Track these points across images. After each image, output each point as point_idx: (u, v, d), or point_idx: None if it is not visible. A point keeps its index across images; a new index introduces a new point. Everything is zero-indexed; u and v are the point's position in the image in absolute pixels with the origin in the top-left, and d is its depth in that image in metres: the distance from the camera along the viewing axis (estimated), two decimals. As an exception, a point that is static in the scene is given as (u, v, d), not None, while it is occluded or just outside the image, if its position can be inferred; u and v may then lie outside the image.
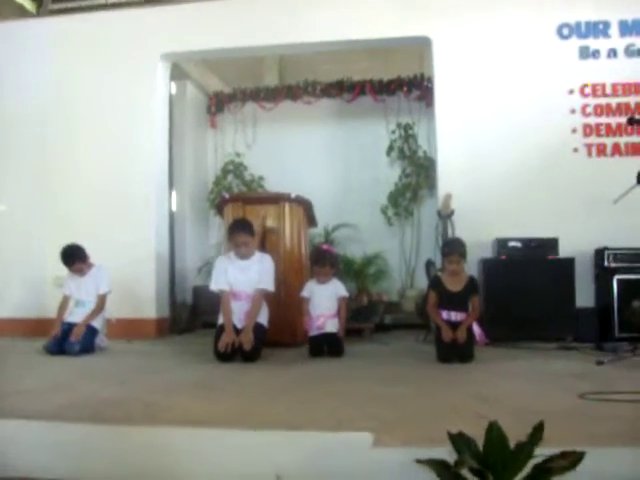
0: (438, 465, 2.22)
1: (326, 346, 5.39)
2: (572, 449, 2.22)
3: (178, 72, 8.31)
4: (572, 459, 2.12)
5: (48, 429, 2.98)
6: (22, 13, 8.45)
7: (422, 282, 7.76)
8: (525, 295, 5.98)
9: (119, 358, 5.61)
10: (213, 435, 2.82)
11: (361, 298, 7.57)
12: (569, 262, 6.09)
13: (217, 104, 9.53)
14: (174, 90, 8.48)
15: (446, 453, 2.35)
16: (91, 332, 5.84)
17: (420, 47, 7.94)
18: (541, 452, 2.20)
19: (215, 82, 9.61)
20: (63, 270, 6.08)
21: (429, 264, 6.38)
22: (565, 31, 6.73)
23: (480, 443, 2.27)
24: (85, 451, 2.89)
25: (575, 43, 6.72)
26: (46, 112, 7.54)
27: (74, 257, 5.92)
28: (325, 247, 5.82)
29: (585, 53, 6.69)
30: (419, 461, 2.29)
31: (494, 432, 2.23)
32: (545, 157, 6.58)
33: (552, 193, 6.56)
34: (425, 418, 3.03)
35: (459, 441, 2.26)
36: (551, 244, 6.16)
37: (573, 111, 6.62)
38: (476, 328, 5.00)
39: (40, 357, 5.56)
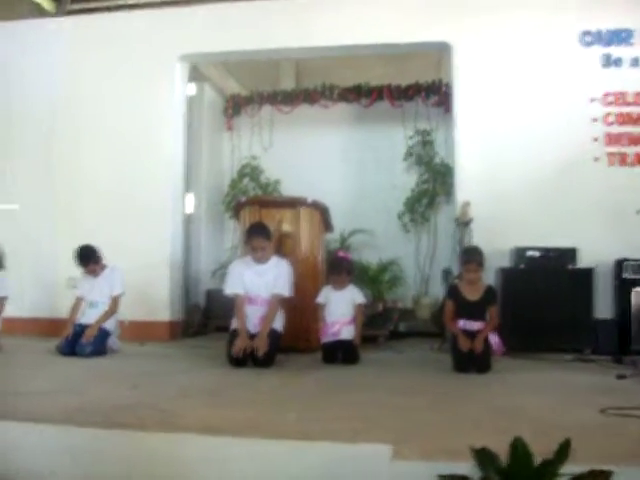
0: (461, 481, 2.16)
1: (341, 353, 5.32)
2: (599, 467, 2.15)
3: (196, 74, 8.29)
4: (601, 479, 2.05)
5: (58, 433, 2.94)
6: (40, 12, 8.44)
7: (437, 290, 7.71)
8: (543, 305, 5.91)
9: (131, 361, 5.58)
10: (226, 443, 2.76)
11: (376, 305, 7.51)
12: (588, 273, 6.01)
13: (234, 107, 9.50)
14: (192, 92, 8.46)
15: (467, 468, 2.29)
16: (103, 334, 5.80)
17: (438, 53, 7.89)
18: (565, 469, 2.14)
19: (232, 85, 9.59)
20: (76, 271, 6.07)
21: (446, 272, 6.32)
22: (587, 39, 6.65)
23: (502, 458, 2.21)
24: (95, 456, 2.84)
25: (597, 51, 6.63)
26: (60, 112, 7.54)
27: (89, 257, 5.90)
28: (341, 254, 5.77)
29: (607, 61, 6.60)
30: (442, 477, 2.22)
31: (519, 448, 2.17)
32: (565, 166, 6.49)
33: (572, 202, 6.47)
34: (444, 431, 2.96)
35: (483, 456, 2.20)
36: (570, 254, 6.08)
37: (595, 120, 6.53)
38: (493, 338, 4.93)
39: (52, 358, 5.53)
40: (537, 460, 2.18)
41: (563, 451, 2.15)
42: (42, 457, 2.86)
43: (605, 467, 2.16)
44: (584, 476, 2.08)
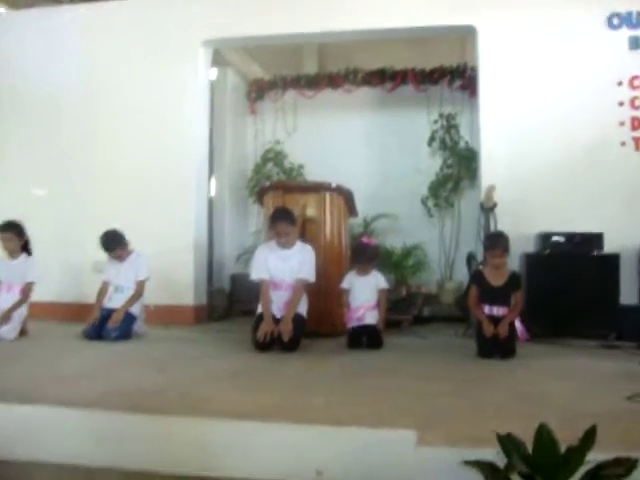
0: (486, 467, 2.17)
1: (365, 338, 5.34)
2: (624, 454, 2.15)
3: (219, 58, 8.29)
4: (626, 466, 2.05)
5: (85, 416, 2.98)
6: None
7: (461, 274, 7.69)
8: (568, 291, 5.86)
9: (156, 345, 5.63)
10: (253, 428, 2.79)
11: (400, 290, 7.51)
12: (614, 258, 5.95)
13: (257, 91, 9.50)
14: (215, 76, 8.47)
15: (492, 454, 2.30)
16: (129, 318, 5.86)
17: (462, 36, 7.83)
18: (592, 457, 2.14)
19: (255, 69, 9.58)
20: (102, 256, 6.12)
21: (470, 257, 6.31)
22: (615, 21, 6.55)
23: (528, 444, 2.21)
24: (122, 440, 2.89)
25: (625, 33, 6.53)
26: (86, 98, 7.59)
27: (114, 243, 5.95)
28: (365, 240, 5.74)
29: (635, 44, 6.50)
30: (467, 462, 2.23)
31: (544, 435, 2.17)
32: (591, 150, 6.44)
33: (597, 187, 6.41)
34: (468, 417, 2.97)
35: (508, 443, 2.20)
36: (596, 239, 6.02)
37: (621, 103, 6.45)
38: (518, 324, 4.92)
39: (78, 342, 5.59)
40: (563, 447, 2.18)
41: (589, 438, 2.14)
42: (69, 440, 2.91)
43: (631, 454, 2.15)
44: (609, 463, 2.08)
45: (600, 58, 6.57)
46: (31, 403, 3.09)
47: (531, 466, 2.10)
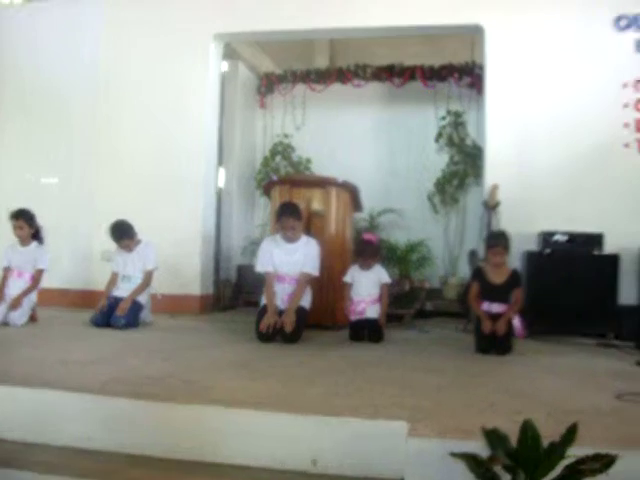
0: (471, 459, 2.27)
1: (366, 331, 5.45)
2: (605, 451, 2.24)
3: (230, 52, 8.38)
4: (604, 462, 2.15)
5: (94, 401, 3.08)
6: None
7: (464, 270, 7.77)
8: (568, 290, 5.95)
9: (163, 333, 5.73)
10: (252, 416, 2.88)
11: (403, 284, 7.60)
12: (614, 259, 6.03)
13: (267, 85, 9.58)
14: (226, 69, 8.56)
15: (480, 447, 2.39)
16: (136, 307, 5.98)
17: (472, 34, 7.87)
18: (574, 452, 2.23)
19: (266, 63, 9.66)
20: (111, 244, 6.23)
21: (472, 254, 6.39)
22: (622, 23, 6.60)
23: (514, 438, 2.31)
24: (128, 425, 2.99)
25: (632, 36, 6.57)
26: (99, 89, 7.70)
27: (123, 233, 6.06)
28: (367, 237, 5.81)
29: (642, 46, 6.57)
30: (453, 454, 2.34)
31: (528, 430, 2.27)
32: (595, 151, 6.51)
33: (600, 188, 6.49)
34: (460, 410, 3.06)
35: (493, 437, 2.31)
36: (596, 239, 6.10)
37: (626, 105, 6.51)
38: (516, 321, 5.00)
39: (86, 329, 5.72)
40: (548, 442, 2.28)
41: (570, 434, 2.24)
42: (79, 423, 3.01)
43: (612, 451, 2.25)
44: (589, 459, 2.18)
45: (606, 59, 6.62)
46: (43, 387, 3.20)
47: (514, 459, 2.20)
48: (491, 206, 6.24)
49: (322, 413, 2.87)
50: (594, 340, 5.75)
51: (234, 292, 8.34)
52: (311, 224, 6.13)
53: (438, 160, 8.72)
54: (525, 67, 6.78)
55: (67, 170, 7.75)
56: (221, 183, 8.56)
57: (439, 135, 8.68)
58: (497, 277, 5.10)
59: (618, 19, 6.62)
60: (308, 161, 9.04)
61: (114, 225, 6.07)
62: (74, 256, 7.52)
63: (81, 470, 2.73)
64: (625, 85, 6.54)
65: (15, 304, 5.74)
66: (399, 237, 8.38)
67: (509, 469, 2.19)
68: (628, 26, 6.61)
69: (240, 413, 2.91)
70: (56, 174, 7.78)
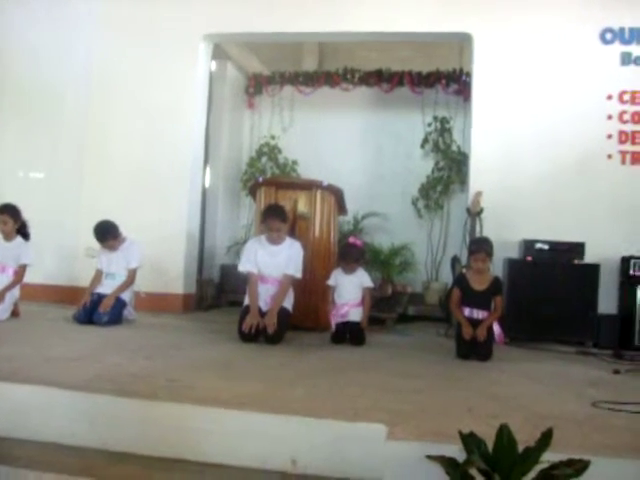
0: (447, 462, 2.31)
1: (348, 335, 5.50)
2: (579, 456, 2.30)
3: (219, 52, 8.38)
4: (577, 467, 2.21)
5: (77, 398, 3.10)
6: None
7: (447, 275, 7.81)
8: (548, 297, 6.03)
9: (146, 331, 5.74)
10: (234, 416, 2.92)
11: (386, 288, 7.64)
12: (594, 268, 6.11)
13: (256, 85, 9.57)
14: (214, 69, 8.58)
15: (457, 451, 2.44)
16: (120, 304, 5.99)
17: (460, 41, 7.94)
18: (549, 457, 2.28)
19: (255, 63, 9.67)
20: (95, 241, 6.21)
21: (455, 260, 6.45)
22: (608, 36, 6.69)
23: (490, 443, 2.36)
24: (111, 422, 3.01)
25: (617, 49, 6.67)
26: (88, 87, 7.67)
27: (107, 233, 6.07)
28: (352, 241, 5.86)
29: (627, 59, 6.65)
30: (429, 457, 2.38)
31: (504, 435, 2.32)
32: (578, 161, 6.59)
33: (582, 198, 6.57)
34: (439, 414, 3.11)
35: (470, 441, 2.35)
36: (578, 249, 6.17)
37: (610, 117, 6.60)
38: (496, 327, 5.06)
39: (69, 326, 5.72)
40: (523, 447, 2.33)
41: (545, 440, 2.29)
42: (63, 420, 3.03)
43: (585, 457, 2.30)
44: (562, 464, 2.23)
45: (592, 71, 6.71)
46: (25, 383, 3.22)
47: (489, 463, 2.25)
48: (474, 213, 6.30)
49: (303, 414, 2.90)
50: (573, 348, 5.81)
51: (217, 291, 8.35)
52: (296, 226, 6.17)
53: (423, 165, 8.75)
54: (512, 77, 6.85)
55: (53, 166, 7.73)
56: (207, 182, 8.58)
57: (425, 141, 8.72)
58: (479, 284, 5.15)
59: (604, 32, 6.71)
60: (294, 163, 9.05)
61: (98, 226, 6.07)
62: (58, 252, 7.49)
63: (62, 465, 2.75)
64: (610, 97, 6.63)
65: (-3, 299, 5.74)
66: (383, 241, 8.39)
67: (484, 473, 2.24)
68: (614, 39, 6.70)
69: (221, 412, 2.94)
70: (42, 170, 7.77)
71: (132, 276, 6.13)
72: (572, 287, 6.07)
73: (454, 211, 8.56)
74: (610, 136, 6.58)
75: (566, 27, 6.77)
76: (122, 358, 4.21)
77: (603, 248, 6.27)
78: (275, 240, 5.48)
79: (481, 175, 6.74)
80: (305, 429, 2.83)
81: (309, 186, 6.34)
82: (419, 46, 9.06)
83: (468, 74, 7.96)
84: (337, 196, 6.49)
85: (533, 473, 2.25)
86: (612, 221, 6.46)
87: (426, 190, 8.64)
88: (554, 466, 2.23)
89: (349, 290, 5.60)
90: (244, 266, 5.52)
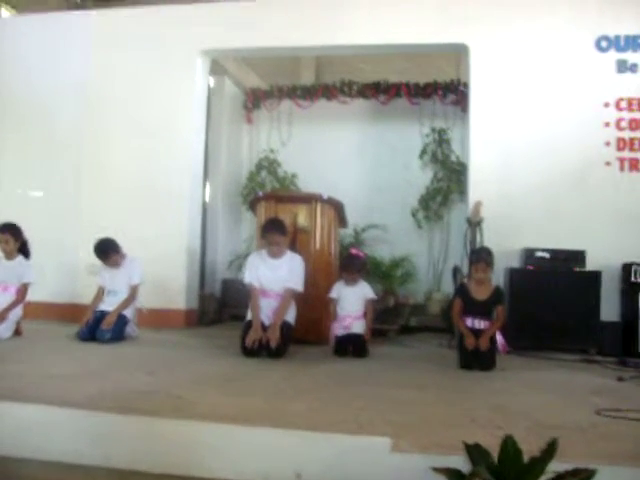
0: (453, 474, 2.31)
1: (351, 347, 5.48)
2: (584, 465, 2.29)
3: (217, 67, 8.42)
4: (583, 476, 2.20)
5: (80, 416, 3.09)
6: (67, 4, 8.61)
7: (449, 286, 7.79)
8: (550, 306, 6.03)
9: (148, 348, 5.74)
10: (237, 431, 2.91)
11: (388, 300, 7.64)
12: (596, 275, 6.11)
13: (254, 100, 9.60)
14: (212, 85, 8.61)
15: (462, 462, 2.43)
16: (122, 321, 5.99)
17: (457, 52, 7.96)
18: (554, 467, 2.28)
19: (252, 78, 9.71)
20: (96, 259, 6.22)
21: (456, 270, 6.44)
22: (604, 44, 6.72)
23: (496, 454, 2.35)
24: (114, 439, 3.01)
25: (613, 56, 6.70)
26: (86, 105, 7.71)
27: (108, 251, 6.09)
28: (354, 252, 5.89)
29: (623, 67, 6.68)
30: (435, 469, 2.37)
31: (509, 446, 2.31)
32: (577, 169, 6.61)
33: (582, 205, 6.58)
34: (443, 425, 3.10)
35: (475, 452, 2.35)
36: (579, 256, 6.18)
37: (607, 124, 6.62)
38: (498, 337, 5.06)
39: (72, 343, 5.72)
40: (528, 457, 2.32)
41: (551, 450, 2.29)
42: (66, 438, 3.03)
43: (590, 466, 2.30)
44: (567, 474, 2.22)
45: (588, 79, 6.73)
46: (28, 402, 3.21)
47: (495, 474, 2.24)
48: (474, 222, 6.31)
49: (306, 428, 2.90)
50: (576, 356, 5.79)
51: (219, 306, 8.35)
52: (297, 239, 6.16)
53: (422, 176, 8.77)
54: (509, 86, 6.87)
55: (52, 185, 7.76)
56: (207, 198, 8.59)
57: (423, 152, 8.74)
58: (480, 293, 5.15)
59: (599, 40, 6.74)
60: (294, 176, 9.07)
61: (99, 244, 6.09)
62: (60, 269, 7.50)
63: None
64: (607, 104, 6.65)
65: (0, 318, 5.73)
66: (383, 253, 8.41)
67: (490, 484, 2.23)
68: (609, 47, 6.73)
69: (225, 428, 2.93)
70: (42, 188, 7.79)
71: (134, 292, 6.14)
72: (574, 295, 6.07)
73: (454, 221, 8.56)
74: (608, 143, 6.60)
75: (562, 36, 6.80)
76: (125, 375, 4.21)
77: (604, 255, 6.28)
78: (276, 254, 5.48)
79: (480, 185, 6.75)
80: (309, 443, 2.82)
81: (309, 199, 6.34)
82: (416, 57, 9.11)
83: (465, 84, 7.98)
84: (337, 209, 6.50)
85: (539, 483, 2.24)
86: (612, 228, 6.46)
87: (426, 201, 8.66)
88: (560, 476, 2.22)
89: (351, 302, 5.60)
90: (250, 278, 5.52)
